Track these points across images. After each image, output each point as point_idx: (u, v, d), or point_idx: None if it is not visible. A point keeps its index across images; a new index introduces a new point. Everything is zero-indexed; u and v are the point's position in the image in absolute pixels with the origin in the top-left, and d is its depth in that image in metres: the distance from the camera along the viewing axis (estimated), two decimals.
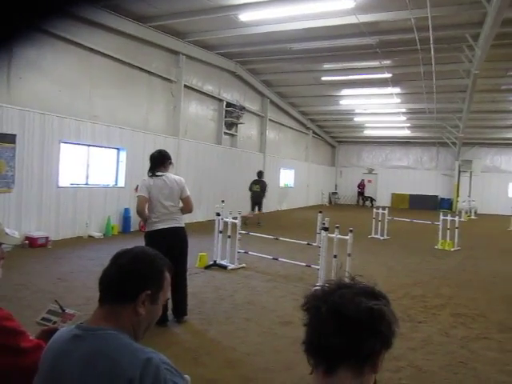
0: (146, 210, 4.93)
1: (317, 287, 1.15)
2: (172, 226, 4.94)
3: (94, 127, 10.61)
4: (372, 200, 26.92)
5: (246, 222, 12.44)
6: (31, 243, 8.68)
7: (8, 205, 8.73)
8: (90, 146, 10.74)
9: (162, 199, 4.90)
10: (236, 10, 10.55)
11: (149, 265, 1.37)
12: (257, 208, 14.48)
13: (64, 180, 10.05)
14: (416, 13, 9.83)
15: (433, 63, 12.78)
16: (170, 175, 5.05)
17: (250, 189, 14.61)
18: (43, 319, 1.84)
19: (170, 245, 4.86)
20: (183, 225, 5.12)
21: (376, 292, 1.10)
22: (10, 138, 8.66)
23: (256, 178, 14.73)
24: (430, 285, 7.38)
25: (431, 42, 11.13)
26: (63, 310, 1.84)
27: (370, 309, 1.04)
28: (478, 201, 24.49)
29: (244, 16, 10.79)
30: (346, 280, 1.14)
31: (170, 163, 5.09)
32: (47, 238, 9.01)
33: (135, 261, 1.36)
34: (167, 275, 1.41)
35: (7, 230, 1.69)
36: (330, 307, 1.04)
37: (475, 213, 23.33)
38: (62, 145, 9.82)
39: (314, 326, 1.07)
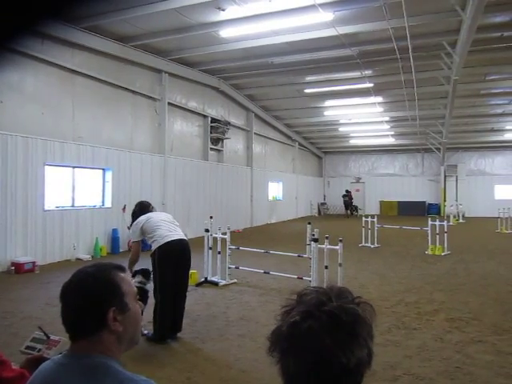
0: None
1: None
2: (182, 237, 5.03)
3: (79, 148, 10.52)
4: (357, 208, 26.99)
5: (348, 216, 25.85)
6: (18, 269, 8.51)
7: None
8: (75, 167, 10.65)
9: (165, 219, 5.09)
10: (216, 27, 10.64)
11: (96, 286, 1.27)
12: (349, 210, 26.80)
13: (49, 203, 9.91)
14: (394, 23, 10.02)
15: (413, 71, 13.00)
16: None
17: (343, 198, 26.85)
18: (27, 348, 1.77)
19: (179, 260, 4.94)
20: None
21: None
22: None
23: (345, 193, 26.81)
24: (423, 291, 7.38)
25: (410, 50, 11.34)
26: (48, 337, 1.78)
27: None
28: (465, 204, 24.82)
29: (224, 32, 10.87)
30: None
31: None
32: (34, 262, 8.83)
33: (79, 293, 1.26)
34: (120, 275, 1.32)
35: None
36: None
37: (463, 216, 23.60)
38: (46, 167, 9.71)
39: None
